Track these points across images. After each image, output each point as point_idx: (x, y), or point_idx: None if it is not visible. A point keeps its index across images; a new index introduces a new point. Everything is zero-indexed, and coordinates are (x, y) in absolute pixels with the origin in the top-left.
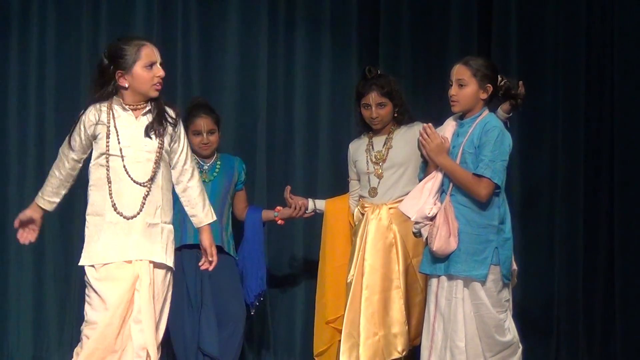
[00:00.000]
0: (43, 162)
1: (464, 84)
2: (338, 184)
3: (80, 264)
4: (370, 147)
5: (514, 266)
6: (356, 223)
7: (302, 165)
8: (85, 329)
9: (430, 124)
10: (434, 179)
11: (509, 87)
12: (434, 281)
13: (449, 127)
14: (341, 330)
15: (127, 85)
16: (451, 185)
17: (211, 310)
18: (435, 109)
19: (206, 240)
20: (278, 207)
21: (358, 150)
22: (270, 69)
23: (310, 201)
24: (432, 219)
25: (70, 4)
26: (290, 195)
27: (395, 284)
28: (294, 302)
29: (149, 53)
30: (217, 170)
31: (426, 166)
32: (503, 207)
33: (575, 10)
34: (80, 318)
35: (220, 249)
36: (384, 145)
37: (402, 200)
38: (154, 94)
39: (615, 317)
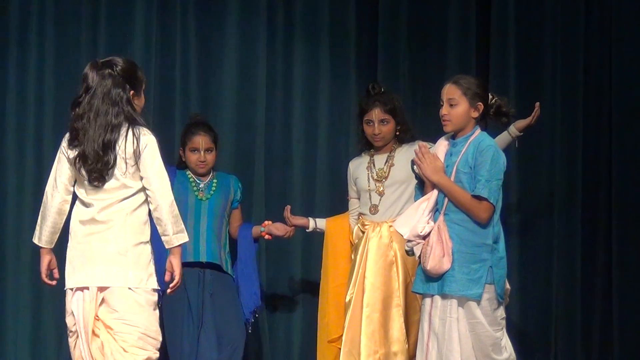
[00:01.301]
0: (40, 180)
1: (455, 103)
2: (336, 201)
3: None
4: (372, 164)
5: (507, 285)
6: (356, 241)
7: (300, 183)
8: None
9: (425, 143)
10: (430, 199)
11: (499, 105)
12: (427, 301)
13: (441, 146)
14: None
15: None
16: (445, 203)
17: (211, 329)
18: (433, 126)
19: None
20: (265, 222)
21: (359, 168)
22: (269, 85)
23: (310, 220)
24: (425, 237)
25: (69, 21)
26: (290, 215)
27: (395, 302)
28: (293, 321)
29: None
30: (213, 188)
31: (422, 187)
32: (497, 225)
33: (573, 25)
34: None
35: (218, 268)
36: (385, 163)
37: None
38: None
39: (612, 334)
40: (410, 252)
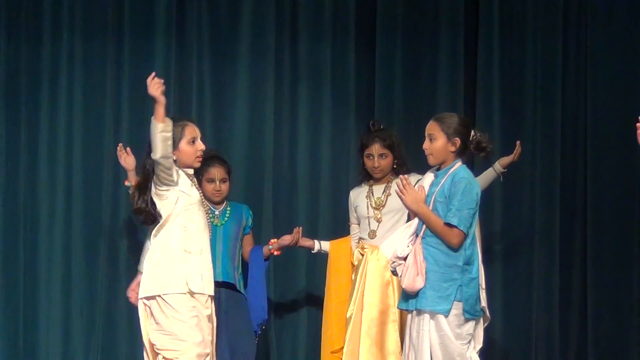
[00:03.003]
0: (70, 208)
1: (434, 138)
2: (337, 227)
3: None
4: (371, 194)
5: (483, 303)
6: (356, 262)
7: (304, 210)
8: None
9: (406, 176)
10: (411, 225)
11: (479, 140)
12: (408, 316)
13: (427, 178)
14: None
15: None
16: (423, 229)
17: (225, 343)
18: (423, 158)
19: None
20: (271, 240)
21: (359, 197)
22: (276, 123)
23: (316, 242)
24: (405, 259)
25: (95, 63)
26: (301, 237)
27: (391, 318)
28: (298, 334)
29: (192, 130)
30: (227, 216)
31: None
32: (470, 249)
33: (551, 74)
34: (103, 349)
35: (232, 287)
36: (383, 193)
37: None
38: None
39: (587, 350)
40: (394, 272)
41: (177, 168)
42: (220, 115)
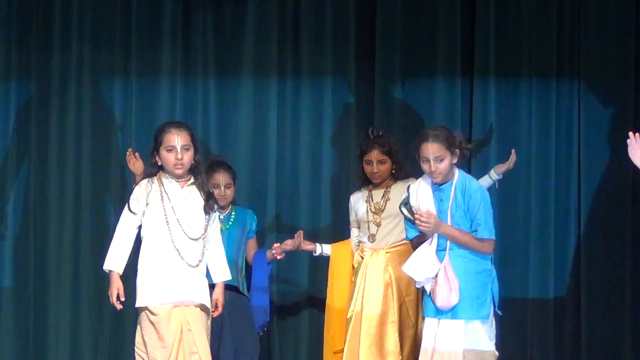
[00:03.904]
0: (79, 211)
1: (442, 158)
2: (338, 230)
3: None
4: (370, 198)
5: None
6: (356, 265)
7: (306, 214)
8: None
9: (427, 210)
10: (432, 242)
11: (461, 141)
12: (432, 321)
13: (426, 192)
14: None
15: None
16: (448, 243)
17: (229, 343)
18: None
19: (217, 294)
20: (274, 245)
21: (359, 201)
22: (279, 130)
23: (318, 245)
24: (434, 277)
25: (104, 78)
26: (303, 240)
27: (390, 319)
28: (300, 334)
29: (170, 139)
30: (231, 220)
31: (412, 224)
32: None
33: (546, 63)
34: (111, 349)
35: (235, 289)
36: (382, 197)
37: (397, 245)
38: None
39: (581, 348)
40: (421, 289)
41: (141, 196)
42: (225, 123)
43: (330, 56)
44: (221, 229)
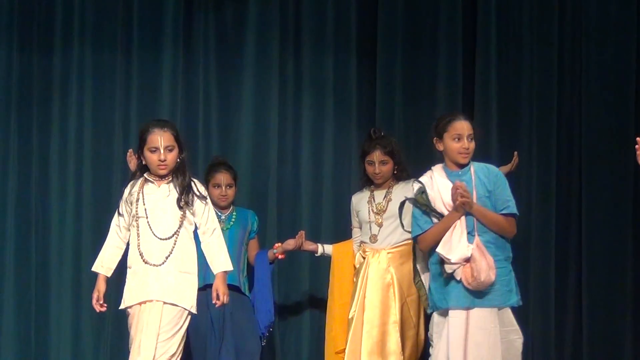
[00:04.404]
0: (80, 212)
1: (472, 138)
2: (339, 230)
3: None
4: (372, 199)
5: None
6: (357, 265)
7: (308, 215)
8: None
9: (463, 183)
10: (459, 225)
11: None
12: (461, 313)
13: (443, 179)
14: None
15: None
16: (476, 227)
17: (231, 343)
18: (423, 164)
19: (218, 283)
20: (276, 245)
21: (360, 202)
22: (280, 131)
23: (319, 246)
24: (468, 260)
25: (105, 76)
26: (305, 240)
27: (392, 319)
28: (302, 335)
29: (154, 139)
30: (232, 220)
31: (424, 213)
32: None
33: (547, 66)
34: (112, 350)
35: (237, 289)
36: (384, 198)
37: (399, 245)
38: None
39: (582, 350)
40: (451, 276)
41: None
42: (227, 123)
43: (331, 57)
44: (222, 229)
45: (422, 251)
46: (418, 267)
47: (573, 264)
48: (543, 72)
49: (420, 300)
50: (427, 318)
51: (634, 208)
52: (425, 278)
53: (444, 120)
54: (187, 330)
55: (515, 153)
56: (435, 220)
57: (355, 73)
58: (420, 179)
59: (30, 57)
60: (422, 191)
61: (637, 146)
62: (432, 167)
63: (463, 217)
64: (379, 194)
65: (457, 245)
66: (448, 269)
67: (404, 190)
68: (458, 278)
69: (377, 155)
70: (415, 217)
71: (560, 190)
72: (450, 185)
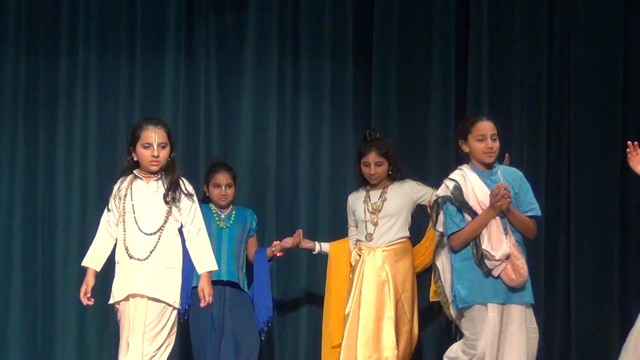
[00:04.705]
0: (86, 211)
1: (495, 138)
2: (336, 229)
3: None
4: (368, 199)
5: None
6: (354, 263)
7: (305, 214)
8: None
9: (506, 184)
10: (496, 224)
11: None
12: (496, 308)
13: (475, 178)
14: None
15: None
16: (508, 227)
17: (231, 338)
18: (417, 165)
19: (203, 284)
20: (274, 243)
21: (356, 201)
22: (279, 132)
23: (316, 244)
24: (508, 257)
25: (109, 78)
26: (302, 238)
27: (387, 315)
28: (300, 330)
29: (147, 135)
30: (232, 219)
31: (459, 210)
32: None
33: (537, 68)
34: (116, 344)
35: (237, 286)
36: (379, 198)
37: (393, 244)
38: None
39: (571, 347)
40: (490, 272)
41: (115, 196)
42: (227, 125)
43: (328, 60)
44: (222, 228)
45: (454, 248)
46: (437, 264)
47: (562, 261)
48: (533, 74)
49: (438, 297)
50: (421, 314)
51: (621, 205)
52: (444, 277)
53: (468, 122)
54: (189, 326)
55: (507, 155)
56: (468, 218)
57: (351, 77)
58: (452, 176)
59: (36, 61)
60: (458, 188)
61: (628, 150)
62: (461, 167)
63: (498, 217)
64: (375, 194)
65: (499, 242)
66: (490, 265)
67: (399, 190)
68: (496, 274)
69: (372, 157)
70: (450, 215)
71: (549, 188)
72: (482, 184)
